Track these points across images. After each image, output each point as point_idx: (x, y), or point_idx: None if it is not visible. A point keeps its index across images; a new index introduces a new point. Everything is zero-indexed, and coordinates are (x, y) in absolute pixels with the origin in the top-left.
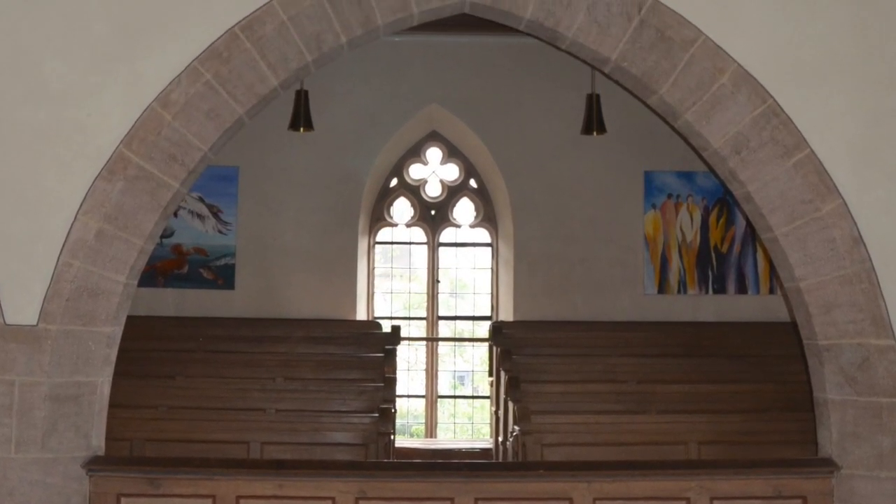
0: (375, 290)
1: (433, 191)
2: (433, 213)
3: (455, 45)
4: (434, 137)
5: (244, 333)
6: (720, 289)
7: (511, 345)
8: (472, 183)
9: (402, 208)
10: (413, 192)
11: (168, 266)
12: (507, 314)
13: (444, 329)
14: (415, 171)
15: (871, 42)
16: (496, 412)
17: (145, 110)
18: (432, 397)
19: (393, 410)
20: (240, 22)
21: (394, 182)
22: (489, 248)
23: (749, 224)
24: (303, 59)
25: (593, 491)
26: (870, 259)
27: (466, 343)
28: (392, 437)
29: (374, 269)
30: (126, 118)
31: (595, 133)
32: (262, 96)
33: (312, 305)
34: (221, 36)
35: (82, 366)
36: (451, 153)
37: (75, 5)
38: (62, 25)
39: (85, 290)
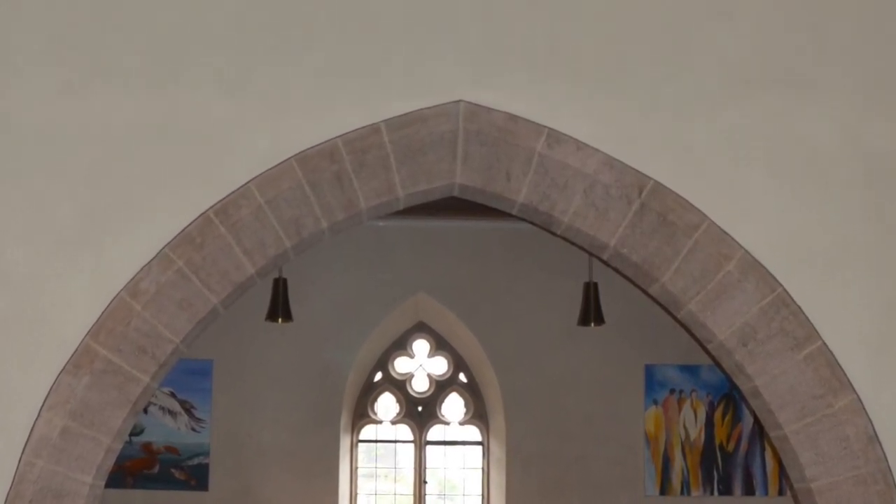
0: (359, 491)
1: (420, 386)
2: (420, 409)
3: (444, 231)
4: (421, 329)
5: None
6: (726, 490)
7: None
8: (462, 377)
9: (386, 404)
10: (399, 387)
11: (137, 466)
12: None
13: None
14: (400, 365)
15: (887, 228)
16: None
17: (113, 300)
18: None
19: None
20: (214, 206)
21: (378, 376)
22: (480, 447)
23: (757, 421)
24: (281, 246)
25: None
26: (885, 458)
27: None
28: None
29: (357, 469)
30: (92, 308)
31: (593, 324)
32: (238, 285)
33: None
34: (194, 221)
35: None
36: (440, 346)
37: (38, 187)
38: (24, 208)
39: (49, 491)
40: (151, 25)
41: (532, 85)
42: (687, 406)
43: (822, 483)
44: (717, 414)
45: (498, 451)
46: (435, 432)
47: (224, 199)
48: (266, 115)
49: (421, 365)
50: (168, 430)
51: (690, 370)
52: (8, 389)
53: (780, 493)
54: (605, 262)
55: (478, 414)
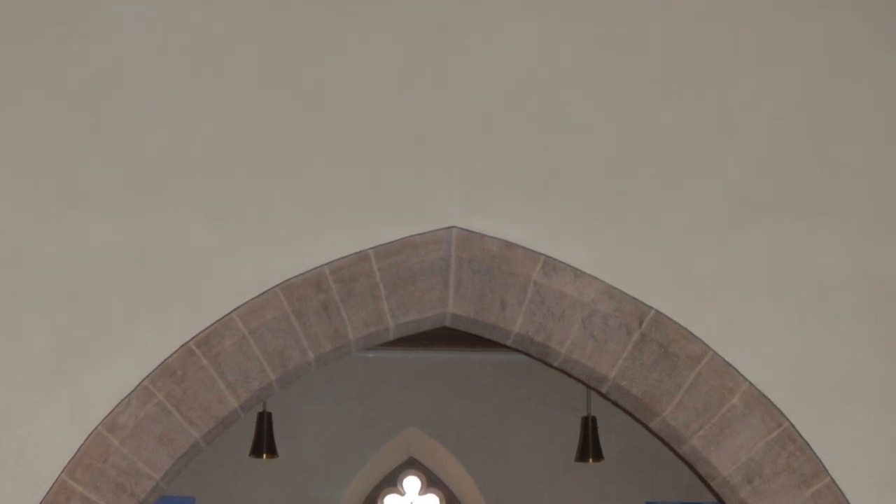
0: None
1: None
2: None
3: (435, 363)
4: (412, 465)
5: None
6: None
7: None
8: None
9: None
10: None
11: None
12: None
13: None
14: (391, 503)
15: None
16: None
17: (90, 434)
18: None
19: None
20: (196, 336)
21: None
22: None
23: None
24: (266, 378)
25: None
26: None
27: None
28: None
29: None
30: (69, 443)
31: (591, 460)
32: (221, 419)
33: None
34: (175, 352)
35: None
36: (431, 482)
37: (13, 316)
38: None
39: None
40: (131, 150)
41: (527, 211)
42: None
43: None
44: None
45: None
46: None
47: (206, 329)
48: (250, 242)
49: (412, 502)
50: None
51: None
52: None
53: None
54: (604, 396)
55: None
